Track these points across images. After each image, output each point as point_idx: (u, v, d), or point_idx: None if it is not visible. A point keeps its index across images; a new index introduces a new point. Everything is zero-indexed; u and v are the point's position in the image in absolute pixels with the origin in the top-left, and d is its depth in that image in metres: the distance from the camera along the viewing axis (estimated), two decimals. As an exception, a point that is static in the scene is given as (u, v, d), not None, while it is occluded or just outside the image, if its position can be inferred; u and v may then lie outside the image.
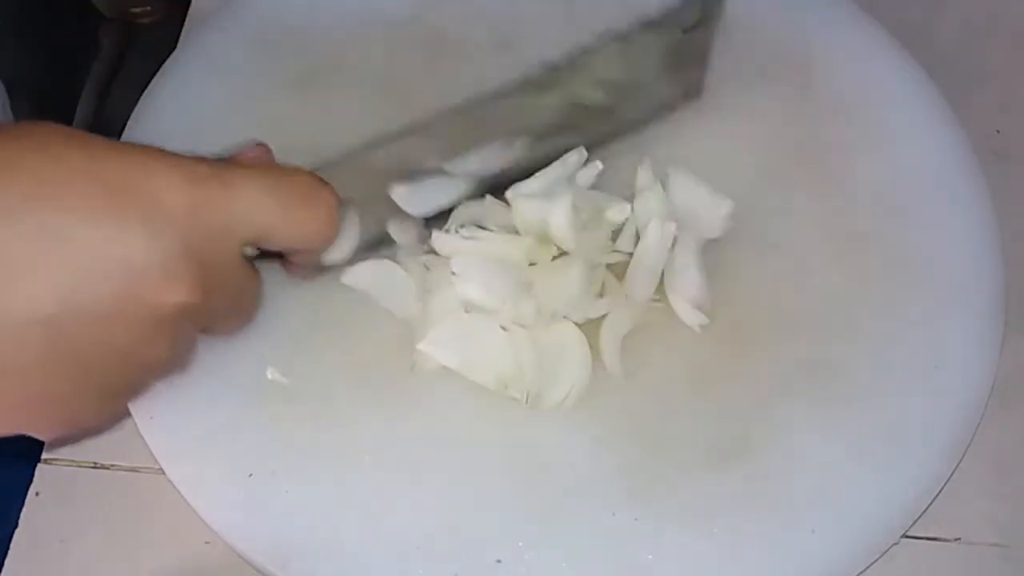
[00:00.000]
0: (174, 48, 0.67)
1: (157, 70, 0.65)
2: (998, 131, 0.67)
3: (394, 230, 0.57)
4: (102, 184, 0.39)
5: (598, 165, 0.59)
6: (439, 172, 0.55)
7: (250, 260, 0.46)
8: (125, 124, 0.62)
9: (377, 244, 0.56)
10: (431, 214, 0.56)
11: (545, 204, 0.56)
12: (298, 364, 0.55)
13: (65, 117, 0.85)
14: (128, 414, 0.54)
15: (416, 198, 0.55)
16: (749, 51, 0.66)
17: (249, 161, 0.46)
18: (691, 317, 0.56)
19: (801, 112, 0.64)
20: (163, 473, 0.53)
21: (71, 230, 0.38)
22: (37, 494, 0.55)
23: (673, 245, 0.57)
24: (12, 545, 0.54)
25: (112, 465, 0.56)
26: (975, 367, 0.56)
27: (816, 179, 0.62)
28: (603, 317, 0.56)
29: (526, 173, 0.58)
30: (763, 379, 0.56)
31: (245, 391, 0.54)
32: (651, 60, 0.59)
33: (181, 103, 0.63)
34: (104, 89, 0.82)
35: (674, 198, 0.59)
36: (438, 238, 0.56)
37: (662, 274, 0.57)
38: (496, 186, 0.58)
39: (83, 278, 0.38)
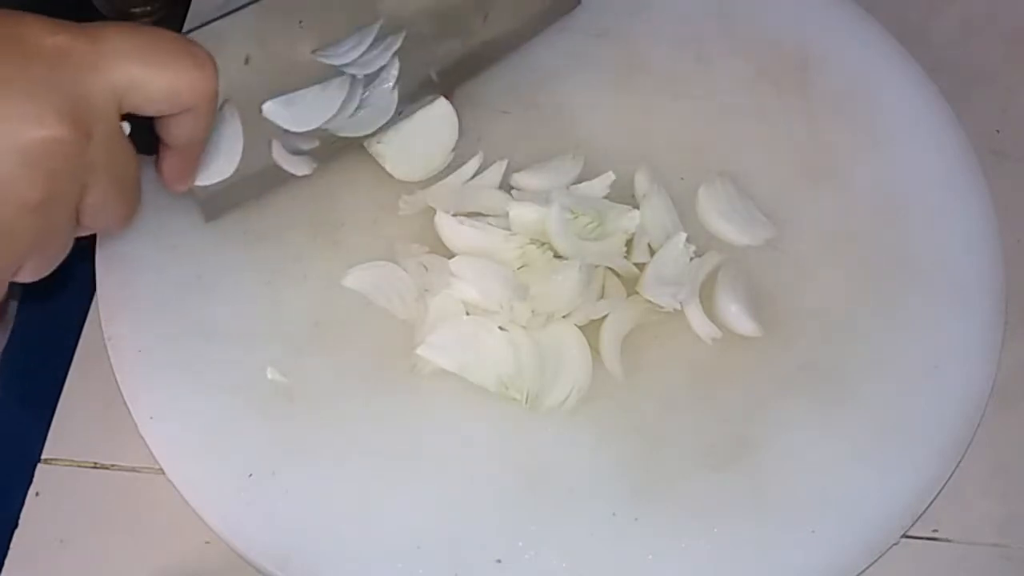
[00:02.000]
0: (174, 48, 0.66)
1: (157, 70, 0.64)
2: (998, 131, 0.67)
3: (280, 156, 0.55)
4: None
5: (610, 176, 0.60)
6: (312, 63, 0.54)
7: (128, 141, 0.44)
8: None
9: (266, 174, 0.54)
10: (314, 127, 0.55)
11: (540, 208, 0.57)
12: (298, 364, 0.55)
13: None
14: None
15: (293, 112, 0.54)
16: (749, 51, 0.66)
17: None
18: (705, 329, 0.57)
19: (801, 112, 0.64)
20: (163, 473, 0.53)
21: None
22: (37, 494, 0.55)
23: (692, 258, 0.58)
24: (12, 545, 0.54)
25: (112, 465, 0.56)
26: (975, 367, 0.56)
27: (816, 179, 0.62)
28: (604, 318, 0.56)
29: (408, 79, 0.57)
30: (763, 379, 0.56)
31: (245, 391, 0.54)
32: None
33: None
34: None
35: (706, 213, 0.60)
36: (442, 219, 0.57)
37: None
38: (376, 92, 0.57)
39: None
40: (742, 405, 0.55)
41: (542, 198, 0.58)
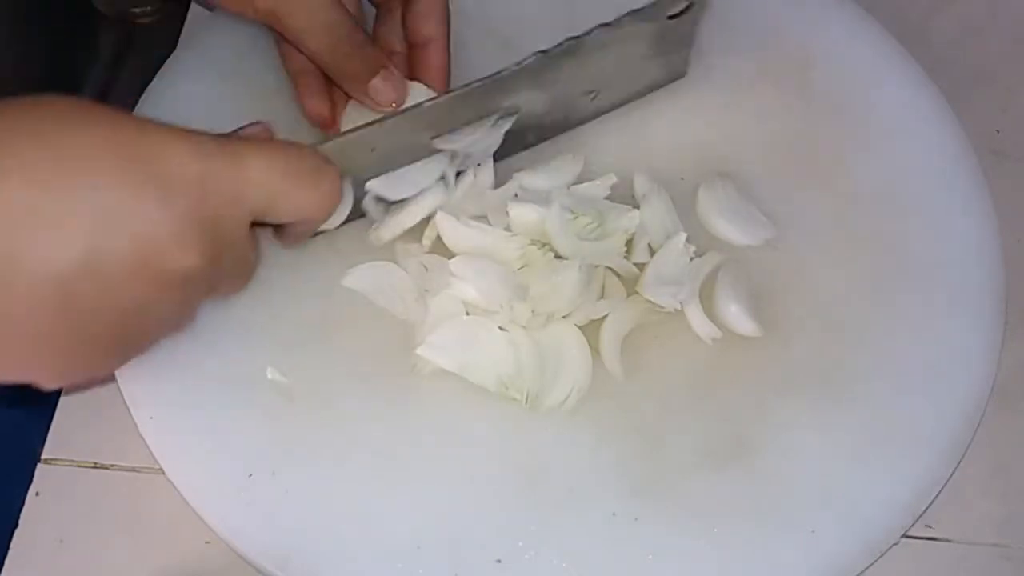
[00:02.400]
0: (174, 48, 0.67)
1: (156, 70, 0.65)
2: (998, 131, 0.67)
3: (370, 206, 0.58)
4: (121, 153, 0.41)
5: (612, 177, 0.60)
6: (427, 148, 0.56)
7: (250, 234, 0.48)
8: (125, 124, 0.62)
9: (354, 212, 0.57)
10: (406, 196, 0.57)
11: (540, 209, 0.57)
12: (298, 364, 0.55)
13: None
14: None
15: (393, 186, 0.57)
16: (749, 50, 0.66)
17: (252, 137, 0.49)
18: (705, 329, 0.57)
19: (801, 112, 0.64)
20: (163, 473, 0.53)
21: (92, 194, 0.40)
22: (37, 494, 0.55)
23: (692, 258, 0.58)
24: (12, 545, 0.54)
25: (112, 465, 0.56)
26: (975, 367, 0.56)
27: (816, 179, 0.62)
28: (604, 318, 0.56)
29: (508, 143, 0.59)
30: (763, 379, 0.56)
31: (245, 391, 0.54)
32: (638, 47, 0.60)
33: (181, 103, 0.63)
34: (104, 89, 0.82)
35: (707, 214, 0.60)
36: (442, 219, 0.57)
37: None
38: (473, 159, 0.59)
39: (100, 240, 0.40)
40: (742, 405, 0.55)
41: (542, 198, 0.58)
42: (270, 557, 0.51)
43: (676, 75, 0.65)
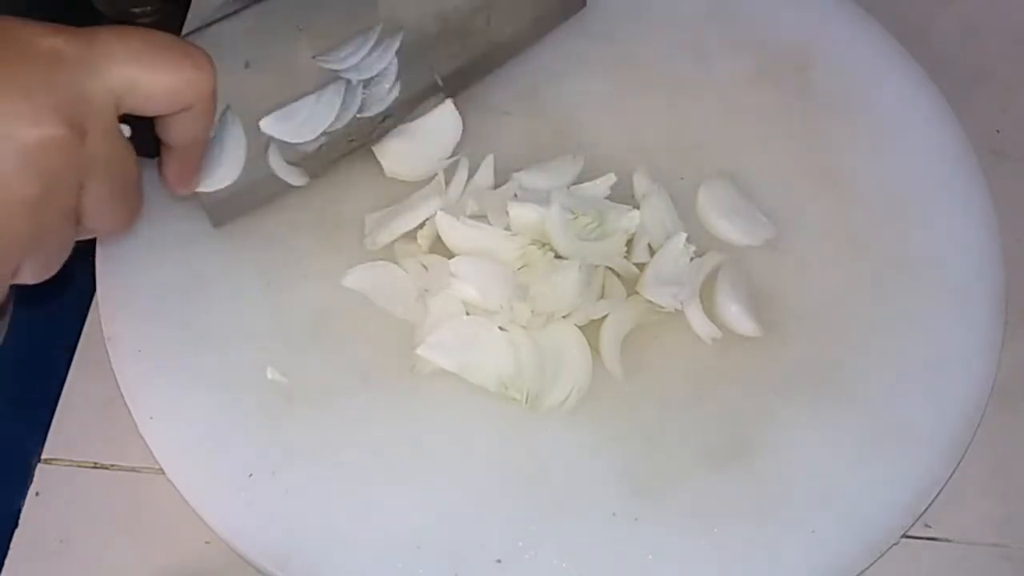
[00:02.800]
0: (174, 48, 0.66)
1: (157, 70, 0.64)
2: (998, 131, 0.67)
3: (277, 165, 0.55)
4: None
5: (612, 177, 0.60)
6: (312, 73, 0.54)
7: (127, 142, 0.44)
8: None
9: (269, 181, 0.55)
10: (311, 139, 0.55)
11: (541, 209, 0.57)
12: (298, 364, 0.55)
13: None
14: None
15: (291, 126, 0.54)
16: (749, 50, 0.66)
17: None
18: (705, 329, 0.57)
19: (801, 112, 0.64)
20: (163, 473, 0.53)
21: None
22: (37, 494, 0.55)
23: (692, 258, 0.58)
24: (12, 545, 0.54)
25: (112, 465, 0.56)
26: (975, 367, 0.56)
27: (816, 179, 0.62)
28: (604, 318, 0.56)
29: (412, 82, 0.57)
30: (763, 379, 0.56)
31: (245, 391, 0.55)
32: None
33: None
34: (104, 89, 0.82)
35: (707, 213, 0.60)
36: (442, 219, 0.57)
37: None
38: (374, 93, 0.57)
39: None
40: (742, 405, 0.55)
41: (542, 198, 0.58)
42: (270, 557, 0.51)
43: (571, 8, 0.63)
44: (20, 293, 0.62)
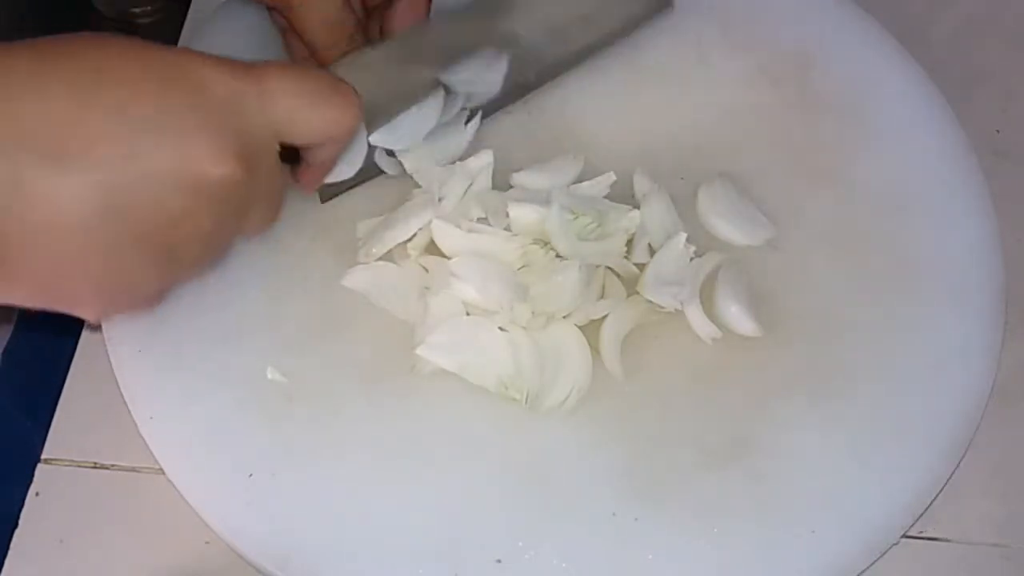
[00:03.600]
0: (174, 48, 0.66)
1: (157, 70, 0.64)
2: (998, 131, 0.67)
3: (382, 160, 0.60)
4: (156, 73, 0.44)
5: (611, 176, 0.60)
6: (431, 85, 0.58)
7: (282, 168, 0.49)
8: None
9: (370, 170, 0.59)
10: (411, 143, 0.59)
11: (540, 209, 0.57)
12: (298, 364, 0.55)
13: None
14: (162, 300, 0.53)
15: (394, 136, 0.58)
16: (748, 49, 0.66)
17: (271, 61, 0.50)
18: (705, 329, 0.57)
19: (801, 112, 0.64)
20: (163, 473, 0.53)
21: (131, 107, 0.43)
22: (37, 494, 0.55)
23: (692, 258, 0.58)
24: (12, 545, 0.54)
25: (112, 465, 0.56)
26: (975, 367, 0.56)
27: (815, 178, 0.62)
28: (604, 318, 0.56)
29: (510, 81, 0.61)
30: (763, 379, 0.56)
31: (245, 391, 0.55)
32: None
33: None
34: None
35: (707, 214, 0.60)
36: (438, 227, 0.57)
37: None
38: (483, 107, 0.61)
39: (139, 148, 0.43)
40: (742, 405, 0.55)
41: (542, 198, 0.58)
42: (270, 557, 0.51)
43: (663, 3, 0.66)
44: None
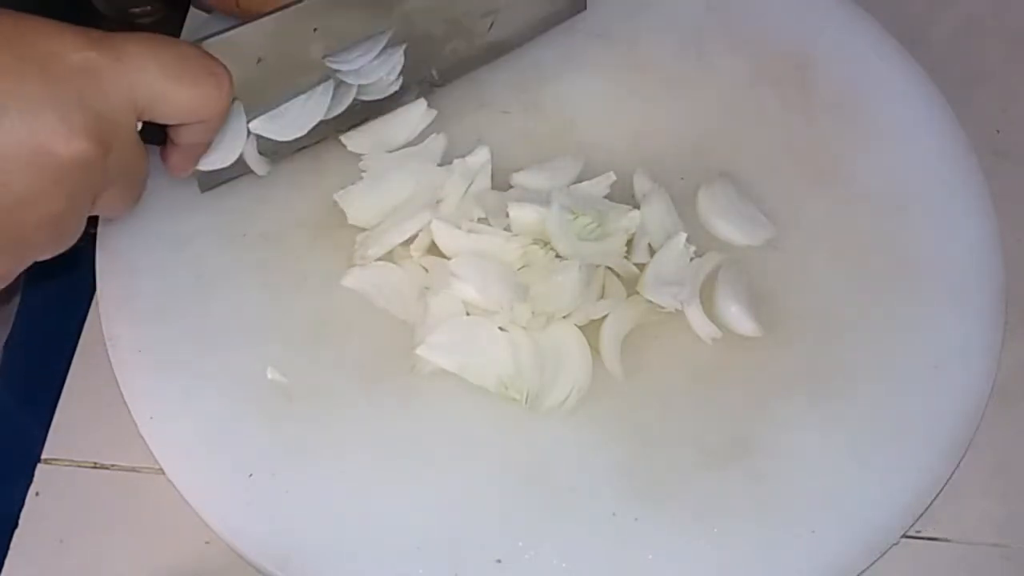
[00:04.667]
0: (174, 48, 0.66)
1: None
2: (998, 131, 0.67)
3: (249, 153, 0.57)
4: (5, 43, 0.41)
5: (611, 176, 0.60)
6: (315, 70, 0.55)
7: (139, 136, 0.46)
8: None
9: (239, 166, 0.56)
10: (298, 136, 0.57)
11: (541, 209, 0.57)
12: (298, 364, 0.55)
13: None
14: (16, 284, 0.53)
15: (277, 125, 0.56)
16: (749, 51, 0.66)
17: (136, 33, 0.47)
18: (705, 329, 0.57)
19: (800, 112, 0.64)
20: (163, 473, 0.53)
21: None
22: (37, 494, 0.55)
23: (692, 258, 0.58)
24: (12, 545, 0.54)
25: (112, 465, 0.56)
26: (975, 367, 0.56)
27: (816, 179, 0.62)
28: (604, 318, 0.56)
29: (408, 76, 0.59)
30: (763, 379, 0.56)
31: (245, 391, 0.54)
32: None
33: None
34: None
35: (707, 214, 0.60)
36: (438, 227, 0.57)
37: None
38: (367, 106, 0.59)
39: None
40: (742, 405, 0.55)
41: (542, 198, 0.58)
42: (270, 557, 0.51)
43: (576, 6, 0.64)
44: (23, 292, 0.62)
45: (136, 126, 0.44)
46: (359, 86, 0.58)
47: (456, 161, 0.60)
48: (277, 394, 0.55)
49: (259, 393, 0.54)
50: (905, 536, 0.53)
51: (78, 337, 0.59)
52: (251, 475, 0.53)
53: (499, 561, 0.51)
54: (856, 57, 0.66)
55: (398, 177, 0.59)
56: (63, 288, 0.54)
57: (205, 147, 0.51)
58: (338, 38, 0.55)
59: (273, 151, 0.58)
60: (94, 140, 0.42)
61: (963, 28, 0.71)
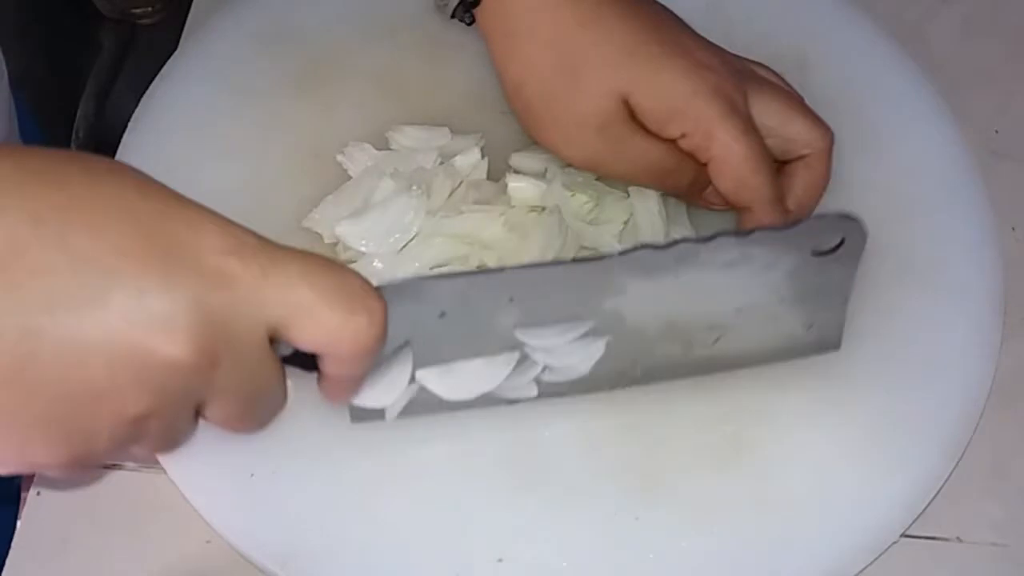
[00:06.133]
0: (174, 48, 0.67)
1: (158, 70, 0.65)
2: (997, 131, 0.67)
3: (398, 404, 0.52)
4: (139, 219, 0.37)
5: None
6: (500, 339, 0.50)
7: (281, 361, 0.42)
8: (126, 124, 0.62)
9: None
10: (464, 399, 0.52)
11: (539, 183, 0.57)
12: (299, 364, 0.55)
13: (66, 117, 0.85)
14: (93, 478, 0.53)
15: (446, 383, 0.51)
16: (747, 50, 0.66)
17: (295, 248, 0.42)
18: None
19: (801, 112, 0.64)
20: (163, 473, 0.53)
21: (85, 244, 0.36)
22: (38, 494, 0.55)
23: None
24: (12, 545, 0.54)
25: (113, 465, 0.56)
26: (975, 367, 0.56)
27: (815, 179, 0.62)
28: None
29: (606, 364, 0.52)
30: (763, 378, 0.56)
31: (246, 391, 0.54)
32: (772, 279, 0.51)
33: (181, 103, 0.63)
34: (105, 89, 0.82)
35: None
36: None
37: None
38: (561, 388, 0.53)
39: (79, 297, 0.35)
40: (742, 404, 0.55)
41: (541, 178, 0.58)
42: (271, 556, 0.51)
43: (826, 344, 0.55)
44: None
45: (264, 343, 0.39)
46: (545, 365, 0.52)
47: (446, 164, 0.59)
48: (278, 394, 0.55)
49: (260, 393, 0.54)
50: (904, 535, 0.53)
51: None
52: (252, 475, 0.53)
53: (500, 561, 0.51)
54: (855, 57, 0.66)
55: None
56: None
57: (358, 383, 0.46)
58: (535, 313, 0.49)
59: (424, 408, 0.52)
60: (198, 350, 0.37)
61: (963, 28, 0.71)
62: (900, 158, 0.63)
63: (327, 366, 0.43)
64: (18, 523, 0.54)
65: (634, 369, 0.53)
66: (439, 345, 0.49)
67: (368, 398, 0.50)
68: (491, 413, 0.54)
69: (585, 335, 0.51)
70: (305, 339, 0.40)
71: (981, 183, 0.62)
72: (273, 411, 0.43)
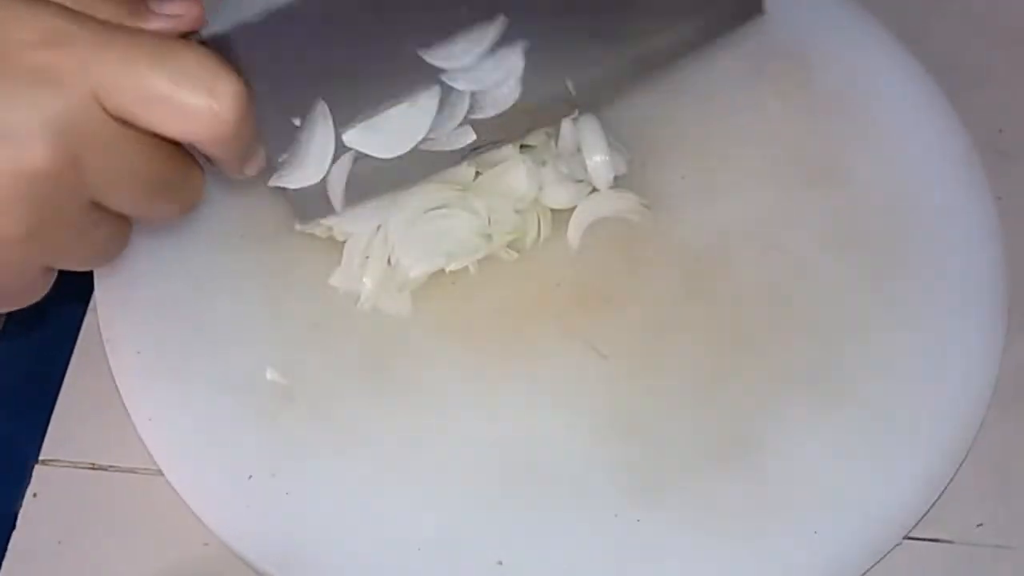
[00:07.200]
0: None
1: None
2: (1000, 131, 0.67)
3: (336, 181, 0.47)
4: None
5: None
6: (419, 63, 0.45)
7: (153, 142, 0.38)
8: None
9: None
10: (401, 153, 0.47)
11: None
12: (298, 364, 0.55)
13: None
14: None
15: (379, 139, 0.46)
16: (747, 48, 0.66)
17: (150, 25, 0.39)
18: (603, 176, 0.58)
19: (800, 110, 0.64)
20: (162, 474, 0.53)
21: None
22: (35, 495, 0.55)
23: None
24: (10, 545, 0.54)
25: (110, 466, 0.56)
26: (976, 367, 0.56)
27: (815, 178, 0.62)
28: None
29: (534, 89, 0.48)
30: (763, 379, 0.56)
31: (245, 391, 0.54)
32: None
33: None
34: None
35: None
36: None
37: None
38: (484, 102, 0.48)
39: None
40: (743, 404, 0.55)
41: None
42: (269, 558, 0.51)
43: (748, 7, 0.51)
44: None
45: (122, 128, 0.37)
46: (472, 98, 0.47)
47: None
48: (277, 395, 0.54)
49: (258, 394, 0.54)
50: (907, 537, 0.53)
51: (76, 338, 0.59)
52: (250, 476, 0.52)
53: (500, 563, 0.51)
54: (856, 56, 0.66)
55: None
56: (60, 290, 0.53)
57: (243, 162, 0.42)
58: (434, 24, 0.45)
59: (363, 186, 0.48)
60: (44, 153, 0.35)
61: (964, 27, 0.71)
62: (901, 157, 0.63)
63: (202, 151, 0.39)
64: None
65: (567, 91, 0.48)
66: (354, 100, 0.45)
67: (299, 177, 0.46)
68: (492, 413, 0.54)
69: (499, 45, 0.46)
70: (163, 125, 0.37)
71: (985, 182, 0.62)
72: (186, 190, 0.40)
